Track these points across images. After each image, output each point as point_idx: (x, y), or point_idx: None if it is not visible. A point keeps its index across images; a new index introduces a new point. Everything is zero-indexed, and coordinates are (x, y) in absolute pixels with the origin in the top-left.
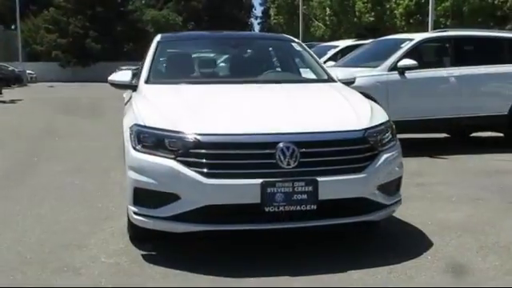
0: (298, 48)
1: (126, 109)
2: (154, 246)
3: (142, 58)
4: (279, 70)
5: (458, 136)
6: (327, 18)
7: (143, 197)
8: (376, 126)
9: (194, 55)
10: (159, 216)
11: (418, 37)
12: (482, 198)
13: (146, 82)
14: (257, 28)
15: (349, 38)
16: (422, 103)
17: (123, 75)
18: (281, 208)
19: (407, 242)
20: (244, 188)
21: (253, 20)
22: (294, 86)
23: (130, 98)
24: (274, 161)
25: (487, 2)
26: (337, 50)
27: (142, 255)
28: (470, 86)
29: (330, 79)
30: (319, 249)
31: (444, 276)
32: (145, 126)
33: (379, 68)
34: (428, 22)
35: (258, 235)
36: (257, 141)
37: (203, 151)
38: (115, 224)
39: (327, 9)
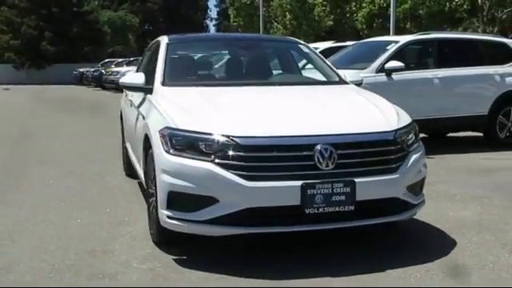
0: (306, 50)
1: (143, 112)
2: (183, 250)
3: (101, 59)
4: (291, 71)
5: (435, 136)
6: (288, 22)
7: (178, 201)
8: (404, 128)
9: (206, 57)
10: (196, 220)
11: (402, 39)
12: (483, 196)
13: (163, 84)
14: (212, 30)
15: (308, 41)
16: (408, 104)
17: (136, 78)
18: (320, 209)
19: (432, 241)
20: (284, 190)
21: (208, 22)
22: (313, 88)
23: (142, 100)
24: (313, 162)
25: (444, 5)
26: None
27: (174, 260)
28: (453, 87)
29: (342, 81)
30: (350, 249)
31: (482, 272)
32: (178, 129)
33: (367, 70)
34: (389, 26)
35: (283, 236)
36: (296, 143)
37: (242, 154)
38: (132, 229)
39: (287, 13)
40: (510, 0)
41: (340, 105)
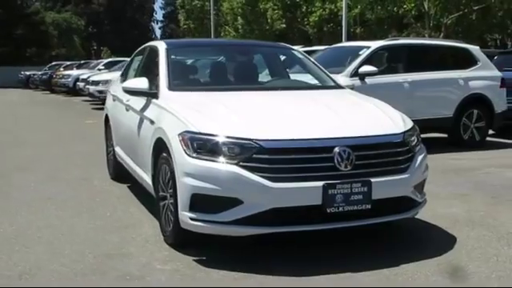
0: (300, 55)
1: (150, 116)
2: (200, 251)
3: (44, 62)
4: (289, 76)
5: None
6: (240, 26)
7: (202, 202)
8: (410, 130)
9: (205, 62)
10: (221, 221)
11: (374, 45)
12: (465, 194)
13: (169, 89)
14: (158, 32)
15: None
16: None
17: (140, 82)
18: (340, 208)
19: (432, 236)
20: (307, 190)
21: (154, 24)
22: (316, 93)
23: (146, 105)
24: (333, 164)
25: (392, 11)
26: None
27: (194, 260)
28: (421, 90)
29: (338, 86)
30: (358, 246)
31: (488, 264)
32: (200, 133)
33: (341, 74)
34: (341, 31)
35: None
36: (316, 145)
37: (267, 156)
38: (141, 232)
39: (239, 17)
40: (455, 6)
41: (348, 108)
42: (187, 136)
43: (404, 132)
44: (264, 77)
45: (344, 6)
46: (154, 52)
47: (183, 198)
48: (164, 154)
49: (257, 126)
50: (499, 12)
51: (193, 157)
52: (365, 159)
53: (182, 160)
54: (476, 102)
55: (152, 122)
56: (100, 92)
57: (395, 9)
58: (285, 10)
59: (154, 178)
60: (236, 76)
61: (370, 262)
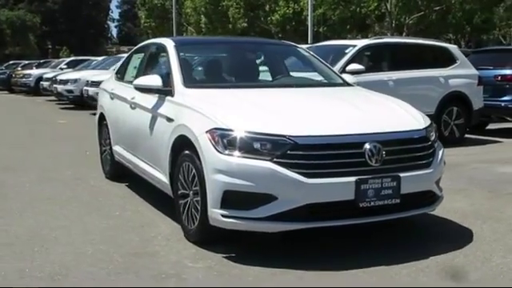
0: (305, 53)
1: (167, 113)
2: (227, 248)
3: (3, 61)
4: (300, 74)
5: None
6: (203, 25)
7: (234, 199)
8: (429, 126)
9: (215, 59)
10: (254, 217)
11: (359, 43)
12: (463, 189)
13: (186, 86)
14: (114, 31)
15: None
16: None
17: (153, 80)
18: (372, 203)
19: (449, 230)
20: (340, 186)
21: (110, 23)
22: (333, 90)
23: (159, 103)
24: (364, 159)
25: (355, 11)
26: None
27: (224, 257)
28: (404, 88)
29: (347, 83)
30: (383, 241)
31: None
32: (230, 130)
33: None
34: (306, 30)
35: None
36: (347, 141)
37: (301, 153)
38: (159, 231)
39: (202, 16)
40: (416, 7)
41: (369, 105)
42: (217, 133)
43: (426, 128)
44: (278, 74)
45: (309, 5)
46: (160, 49)
47: (214, 195)
48: (186, 152)
49: (288, 123)
50: (458, 13)
51: (224, 154)
52: (393, 154)
53: (213, 157)
54: (455, 99)
55: (169, 120)
56: (69, 91)
57: (358, 9)
58: (246, 9)
59: (172, 176)
60: (247, 73)
61: (403, 255)
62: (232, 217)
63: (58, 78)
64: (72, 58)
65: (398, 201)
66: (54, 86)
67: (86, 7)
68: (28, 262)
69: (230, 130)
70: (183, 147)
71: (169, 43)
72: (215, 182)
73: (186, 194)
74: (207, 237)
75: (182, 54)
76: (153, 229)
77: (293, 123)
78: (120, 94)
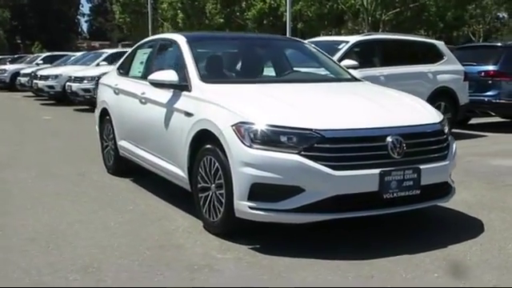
0: (313, 49)
1: (185, 108)
2: (251, 240)
3: None
4: (306, 69)
5: None
6: (180, 20)
7: (262, 191)
8: (443, 120)
9: (228, 55)
10: (282, 209)
11: (352, 39)
12: (462, 180)
13: (203, 81)
14: (84, 26)
15: None
16: None
17: (168, 75)
18: (394, 194)
19: (460, 220)
20: (365, 177)
21: (80, 17)
22: (347, 85)
23: (175, 97)
24: (386, 152)
25: (332, 7)
26: None
27: (250, 249)
28: (396, 84)
29: (355, 78)
30: (404, 231)
31: None
32: (257, 124)
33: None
34: (283, 25)
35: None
36: (371, 134)
37: (328, 146)
38: (177, 224)
39: (179, 11)
40: (392, 3)
41: (386, 99)
42: (244, 127)
43: (440, 121)
44: (290, 69)
45: (288, 1)
46: (170, 45)
47: (241, 188)
48: (209, 146)
49: (313, 117)
50: (432, 9)
51: (252, 147)
52: (413, 147)
53: (240, 150)
54: (443, 94)
55: (188, 114)
56: (50, 87)
57: (335, 5)
58: (223, 5)
59: (191, 169)
60: (259, 69)
61: (422, 244)
62: (260, 209)
63: (39, 73)
64: (48, 54)
65: (418, 192)
66: (35, 81)
67: (56, 1)
68: (56, 255)
69: (257, 124)
70: (204, 141)
71: (180, 39)
72: (243, 175)
73: (206, 188)
74: (231, 229)
75: (195, 49)
76: (171, 222)
77: (317, 117)
78: (127, 89)
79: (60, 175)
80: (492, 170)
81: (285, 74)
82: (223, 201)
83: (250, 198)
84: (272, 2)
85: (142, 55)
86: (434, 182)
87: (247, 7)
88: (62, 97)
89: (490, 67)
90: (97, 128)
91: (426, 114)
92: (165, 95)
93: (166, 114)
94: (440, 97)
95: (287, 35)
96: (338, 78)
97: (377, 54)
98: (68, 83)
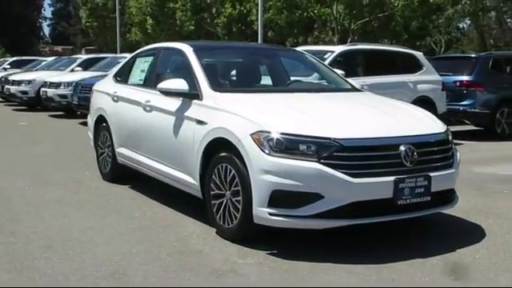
0: (312, 59)
1: (197, 116)
2: (268, 245)
3: None
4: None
5: None
6: (149, 26)
7: (282, 198)
8: (447, 129)
9: (235, 64)
10: (302, 215)
11: (337, 49)
12: None
13: (214, 90)
14: (46, 30)
15: None
16: None
17: (179, 83)
18: (407, 201)
19: (462, 226)
20: (381, 185)
21: (42, 21)
22: (350, 95)
23: (185, 106)
24: (400, 160)
25: (303, 16)
26: None
27: (269, 254)
28: (378, 93)
29: (355, 88)
30: (411, 237)
31: None
32: (276, 132)
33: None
34: (252, 32)
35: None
36: (387, 143)
37: (346, 154)
38: (189, 230)
39: (148, 18)
40: (361, 13)
41: (393, 110)
42: (263, 135)
43: (445, 131)
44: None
45: (260, 9)
46: (175, 54)
47: (261, 195)
48: (224, 154)
49: (330, 126)
50: (401, 19)
51: (271, 155)
52: (424, 155)
53: (260, 158)
54: (423, 104)
55: (201, 123)
56: (23, 92)
57: (305, 13)
58: (193, 12)
59: (204, 177)
60: (265, 78)
61: (431, 249)
62: (280, 215)
63: (11, 78)
64: (15, 58)
65: (428, 198)
66: (6, 86)
67: (18, 5)
68: (78, 262)
69: (276, 133)
70: (219, 149)
71: (187, 48)
72: (263, 182)
73: (220, 195)
74: (248, 235)
75: (201, 58)
76: (182, 228)
77: (334, 126)
78: (128, 97)
79: (56, 182)
80: (477, 177)
81: (289, 84)
82: (240, 207)
83: (269, 205)
84: (242, 9)
85: (143, 63)
86: (442, 188)
87: (217, 14)
88: (35, 102)
89: (465, 77)
90: (90, 135)
91: (433, 124)
92: (173, 103)
93: (176, 122)
94: (420, 106)
95: (259, 41)
96: (340, 88)
97: (360, 64)
98: (43, 89)
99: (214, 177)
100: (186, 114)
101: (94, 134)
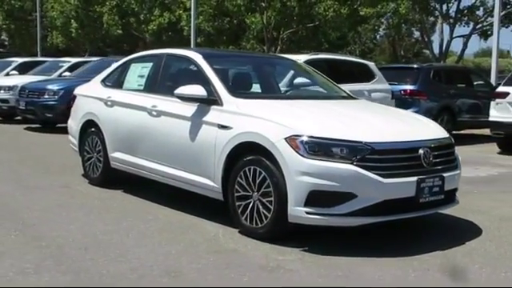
0: (308, 68)
1: (219, 121)
2: (296, 243)
3: None
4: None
5: None
6: (73, 29)
7: (319, 198)
8: (450, 134)
9: (243, 72)
10: (337, 213)
11: (302, 58)
12: None
13: (235, 96)
14: None
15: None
16: None
17: (197, 90)
18: (427, 199)
19: (458, 224)
20: (407, 184)
21: None
22: (352, 102)
23: (203, 111)
24: (420, 162)
25: (232, 23)
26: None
27: (303, 251)
28: None
29: (350, 96)
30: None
31: None
32: (312, 136)
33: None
34: (182, 40)
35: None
36: (409, 146)
37: (377, 156)
38: (211, 230)
39: (72, 21)
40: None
41: (401, 116)
42: (298, 139)
43: (449, 136)
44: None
45: (193, 16)
46: (182, 61)
47: (298, 195)
48: (252, 157)
49: (358, 130)
50: (329, 30)
51: (308, 157)
52: (437, 158)
53: (296, 161)
54: None
55: (224, 127)
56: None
57: (235, 21)
58: (121, 17)
59: (227, 180)
60: (275, 86)
61: (444, 243)
62: (316, 213)
63: None
64: None
65: (442, 197)
66: None
67: None
68: (127, 263)
69: (310, 137)
70: (246, 152)
71: (197, 55)
72: (300, 183)
73: (246, 196)
74: (279, 234)
75: (213, 65)
76: (203, 229)
77: (362, 131)
78: (127, 102)
79: (44, 188)
80: None
81: (298, 91)
82: (272, 207)
83: (306, 204)
84: (171, 17)
85: (140, 69)
86: (451, 187)
87: (145, 20)
88: None
89: (410, 86)
90: (73, 140)
91: (437, 129)
92: (187, 109)
93: (192, 127)
94: None
95: (191, 46)
96: (342, 96)
97: (323, 72)
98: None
99: (239, 179)
100: (205, 119)
101: (79, 139)
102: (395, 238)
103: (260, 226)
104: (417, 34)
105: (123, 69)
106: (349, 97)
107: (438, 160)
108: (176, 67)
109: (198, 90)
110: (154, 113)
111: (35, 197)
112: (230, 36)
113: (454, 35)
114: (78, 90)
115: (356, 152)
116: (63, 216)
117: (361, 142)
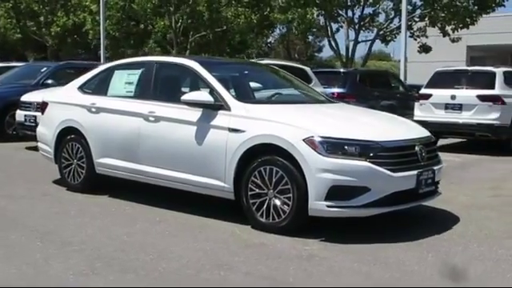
0: (287, 74)
1: (229, 125)
2: (311, 234)
3: None
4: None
5: None
6: None
7: (338, 192)
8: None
9: (238, 78)
10: (354, 205)
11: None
12: None
13: (242, 101)
14: None
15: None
16: None
17: (203, 95)
18: (424, 189)
19: (444, 216)
20: (410, 177)
21: None
22: (339, 106)
23: (210, 116)
24: (417, 157)
25: (139, 27)
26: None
27: (322, 241)
28: None
29: (329, 100)
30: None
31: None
32: (329, 137)
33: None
34: (86, 43)
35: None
36: (409, 144)
37: (386, 153)
38: (227, 229)
39: None
40: (197, 27)
41: (387, 118)
42: (317, 140)
43: (430, 134)
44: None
45: (102, 19)
46: (176, 68)
47: (319, 190)
48: (267, 157)
49: (366, 131)
50: (236, 34)
51: (327, 156)
52: (428, 153)
53: (317, 159)
54: None
55: (235, 131)
56: None
57: (142, 25)
58: (18, 20)
59: (240, 180)
60: (272, 91)
61: (446, 227)
62: (336, 206)
63: None
64: None
65: (433, 187)
66: None
67: None
68: (172, 260)
69: (327, 138)
70: (258, 154)
71: (193, 63)
72: (321, 180)
73: (262, 194)
74: (299, 227)
75: (211, 72)
76: (219, 228)
77: (369, 131)
78: (117, 108)
79: (27, 197)
80: None
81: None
82: (290, 203)
83: (327, 198)
84: (76, 20)
85: (127, 76)
86: (438, 179)
87: (46, 23)
88: None
89: (339, 89)
90: (45, 147)
91: (422, 129)
92: (190, 114)
93: (198, 131)
94: None
95: (101, 53)
96: (325, 100)
97: None
98: None
99: (253, 178)
100: (213, 123)
101: (55, 146)
102: (387, 228)
103: (278, 220)
104: (311, 38)
105: (105, 76)
106: (333, 101)
107: (428, 155)
108: (171, 74)
109: (204, 96)
110: (152, 118)
111: (25, 207)
112: (137, 40)
113: (359, 40)
114: (48, 97)
115: (369, 150)
116: (71, 222)
117: (373, 141)
